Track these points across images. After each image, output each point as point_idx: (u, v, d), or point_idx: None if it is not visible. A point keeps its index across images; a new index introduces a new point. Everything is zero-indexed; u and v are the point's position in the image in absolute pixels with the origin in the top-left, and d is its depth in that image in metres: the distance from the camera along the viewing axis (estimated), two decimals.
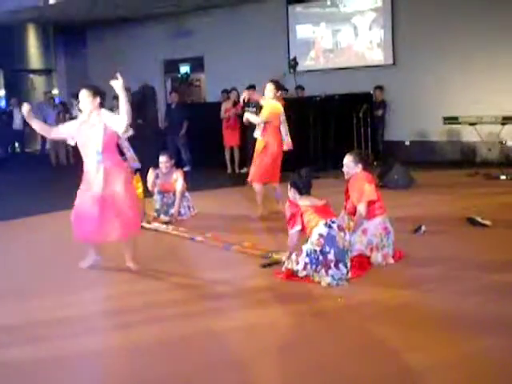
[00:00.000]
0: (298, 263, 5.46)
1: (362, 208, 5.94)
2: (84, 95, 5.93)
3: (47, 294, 5.56)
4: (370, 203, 5.97)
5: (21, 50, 18.81)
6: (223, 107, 13.61)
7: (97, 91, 5.98)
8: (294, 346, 4.22)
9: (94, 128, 5.84)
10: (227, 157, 13.70)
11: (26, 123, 16.07)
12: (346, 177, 6.25)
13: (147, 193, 8.58)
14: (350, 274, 5.44)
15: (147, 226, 8.05)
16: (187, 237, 7.38)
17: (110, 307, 5.20)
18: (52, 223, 8.65)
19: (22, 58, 18.89)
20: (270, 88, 8.38)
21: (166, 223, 8.16)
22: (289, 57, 15.37)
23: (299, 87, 14.23)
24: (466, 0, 13.05)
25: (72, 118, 16.70)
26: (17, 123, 16.71)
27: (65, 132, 6.13)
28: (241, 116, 13.37)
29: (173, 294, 5.44)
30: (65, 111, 16.79)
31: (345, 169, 6.21)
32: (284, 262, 5.66)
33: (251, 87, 13.56)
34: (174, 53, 17.94)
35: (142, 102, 15.36)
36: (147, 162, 9.07)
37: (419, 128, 13.95)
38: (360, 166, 6.13)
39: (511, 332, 4.28)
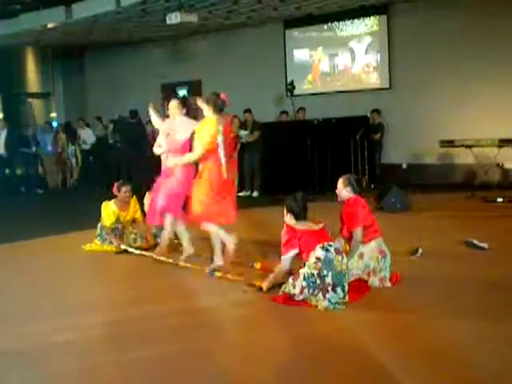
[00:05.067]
0: (294, 287, 5.44)
1: (357, 233, 5.95)
2: None
3: (45, 319, 5.53)
4: (365, 227, 5.98)
5: (19, 74, 18.90)
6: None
7: None
8: (292, 370, 4.18)
9: None
10: None
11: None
12: (338, 199, 6.28)
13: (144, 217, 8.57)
14: (347, 298, 5.42)
15: (137, 252, 8.03)
16: (183, 264, 7.33)
17: (107, 332, 5.15)
18: (54, 246, 8.69)
19: (20, 81, 18.97)
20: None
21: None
22: (286, 80, 15.45)
23: (300, 109, 14.29)
24: (462, 24, 13.14)
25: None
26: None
27: None
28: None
29: (168, 319, 5.38)
30: (71, 132, 16.87)
31: (337, 191, 6.27)
32: (281, 286, 5.65)
33: (247, 110, 13.71)
34: (172, 76, 18.01)
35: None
36: (144, 186, 9.09)
37: (416, 151, 14.00)
38: (348, 189, 6.14)
39: None
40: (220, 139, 6.65)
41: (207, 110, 6.79)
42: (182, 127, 7.28)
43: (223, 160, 6.70)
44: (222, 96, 6.83)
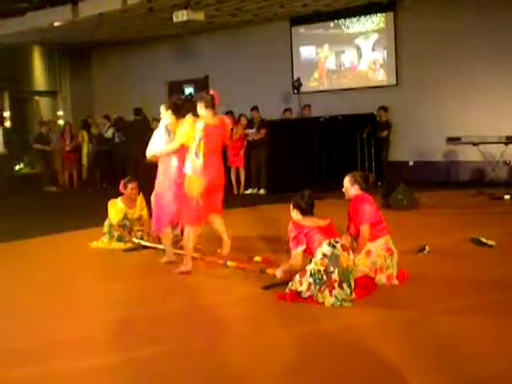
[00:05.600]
0: (301, 284, 5.44)
1: (365, 230, 5.94)
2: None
3: (51, 316, 5.54)
4: (372, 225, 5.98)
5: (26, 72, 18.94)
6: (234, 131, 13.51)
7: None
8: (298, 367, 4.18)
9: None
10: (233, 177, 13.70)
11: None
12: (346, 197, 6.28)
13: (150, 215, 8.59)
14: (354, 295, 5.42)
15: (150, 245, 8.05)
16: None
17: (113, 330, 5.16)
18: (60, 244, 8.73)
19: (26, 79, 19.01)
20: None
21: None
22: (293, 78, 15.44)
23: (306, 105, 14.32)
24: (469, 21, 13.11)
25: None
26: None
27: None
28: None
29: (174, 317, 5.38)
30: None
31: (343, 189, 6.26)
32: (288, 284, 5.64)
33: (254, 108, 13.74)
34: (179, 74, 18.01)
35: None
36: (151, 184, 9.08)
37: (423, 148, 13.96)
38: (356, 186, 6.14)
39: None
40: (199, 136, 6.68)
41: (199, 108, 6.94)
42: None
43: (199, 159, 6.70)
44: (211, 92, 7.03)
